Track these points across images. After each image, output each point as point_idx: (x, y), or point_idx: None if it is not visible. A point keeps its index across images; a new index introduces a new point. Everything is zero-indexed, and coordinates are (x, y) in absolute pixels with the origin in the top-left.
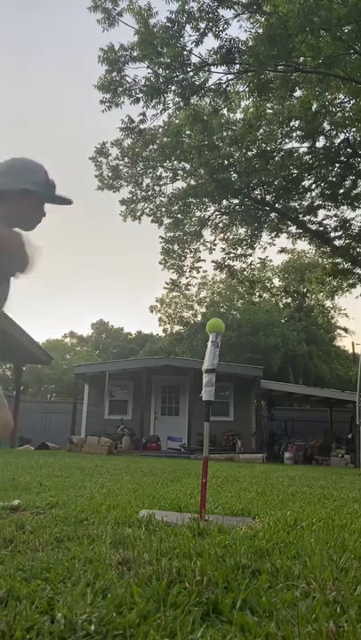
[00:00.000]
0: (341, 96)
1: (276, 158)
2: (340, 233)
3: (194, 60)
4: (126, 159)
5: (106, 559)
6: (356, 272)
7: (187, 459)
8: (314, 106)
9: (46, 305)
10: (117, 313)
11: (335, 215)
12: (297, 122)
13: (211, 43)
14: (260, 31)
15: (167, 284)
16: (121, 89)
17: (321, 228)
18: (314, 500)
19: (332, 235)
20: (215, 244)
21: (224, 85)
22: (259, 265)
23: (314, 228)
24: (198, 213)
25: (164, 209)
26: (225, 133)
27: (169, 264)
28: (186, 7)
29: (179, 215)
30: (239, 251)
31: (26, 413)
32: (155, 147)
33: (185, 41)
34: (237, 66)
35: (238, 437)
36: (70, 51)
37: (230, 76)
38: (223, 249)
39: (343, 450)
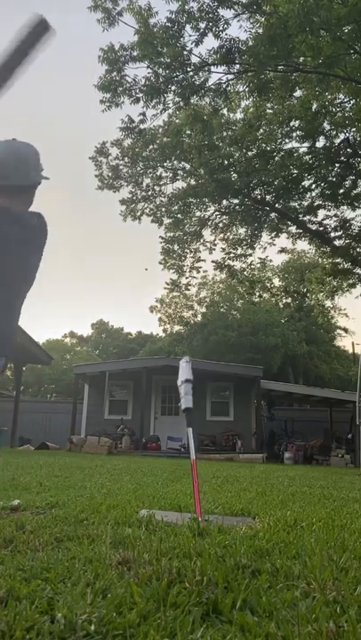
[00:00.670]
0: (341, 96)
1: (276, 158)
2: (340, 233)
3: (194, 59)
4: (126, 159)
5: (106, 559)
6: (357, 272)
7: (187, 459)
8: (314, 106)
9: (46, 305)
10: (117, 313)
11: (335, 215)
12: (297, 122)
13: (211, 43)
14: (260, 31)
15: (167, 284)
16: (121, 89)
17: (321, 228)
18: (314, 500)
19: (332, 235)
20: (215, 244)
21: (224, 85)
22: (259, 265)
23: (314, 227)
24: (198, 213)
25: (164, 209)
26: (225, 133)
27: (169, 264)
28: (186, 7)
29: (179, 215)
30: (239, 251)
31: (26, 413)
32: (155, 147)
33: (185, 41)
34: (237, 66)
35: (238, 437)
36: (70, 50)
37: (230, 76)
38: (223, 249)
39: (343, 450)
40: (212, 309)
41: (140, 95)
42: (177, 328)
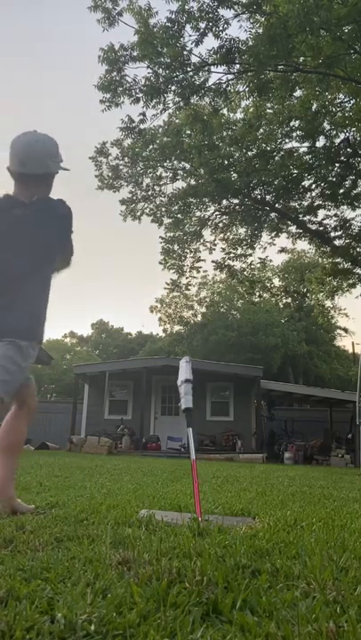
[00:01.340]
0: (341, 96)
1: (276, 158)
2: (340, 233)
3: (194, 59)
4: (126, 159)
5: (106, 559)
6: (356, 272)
7: (187, 459)
8: (314, 106)
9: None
10: (117, 313)
11: (335, 215)
12: (297, 122)
13: (211, 43)
14: (260, 31)
15: (167, 284)
16: (121, 89)
17: (321, 228)
18: (314, 500)
19: (332, 235)
20: (215, 244)
21: (224, 85)
22: (259, 265)
23: (314, 227)
24: (198, 213)
25: (164, 209)
26: (225, 133)
27: (169, 264)
28: (186, 7)
29: (179, 215)
30: (239, 251)
31: None
32: (155, 146)
33: (185, 41)
34: (237, 66)
35: (238, 437)
36: (70, 50)
37: (230, 76)
38: (223, 249)
39: (343, 450)
40: (212, 309)
41: (140, 95)
42: (177, 328)
